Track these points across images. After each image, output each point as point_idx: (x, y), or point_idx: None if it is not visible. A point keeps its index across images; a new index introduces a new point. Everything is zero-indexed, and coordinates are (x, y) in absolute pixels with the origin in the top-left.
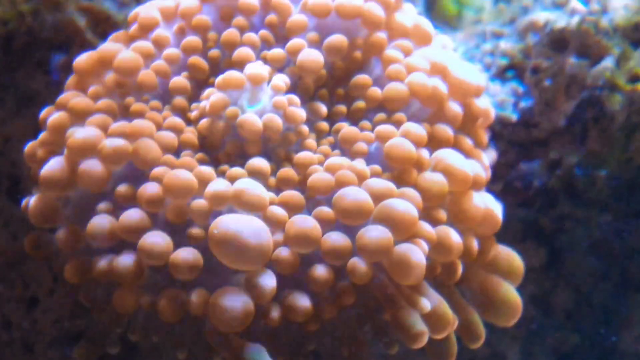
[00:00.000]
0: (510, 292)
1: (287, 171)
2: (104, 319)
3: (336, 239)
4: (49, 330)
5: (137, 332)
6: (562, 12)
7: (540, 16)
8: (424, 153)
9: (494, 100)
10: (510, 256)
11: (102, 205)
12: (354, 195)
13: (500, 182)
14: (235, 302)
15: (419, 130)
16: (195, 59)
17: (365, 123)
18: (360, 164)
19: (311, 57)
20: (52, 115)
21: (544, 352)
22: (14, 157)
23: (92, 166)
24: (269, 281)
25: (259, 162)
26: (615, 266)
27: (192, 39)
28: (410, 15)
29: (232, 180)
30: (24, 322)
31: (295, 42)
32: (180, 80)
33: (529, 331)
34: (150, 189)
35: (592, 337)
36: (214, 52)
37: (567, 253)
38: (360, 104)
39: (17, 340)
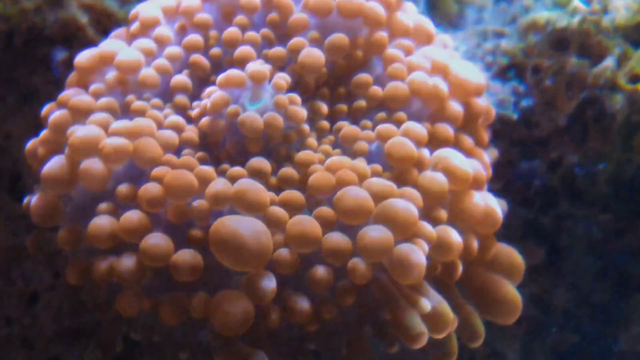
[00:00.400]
0: (511, 290)
1: (288, 170)
2: (108, 320)
3: (336, 239)
4: (50, 327)
5: (139, 332)
6: (563, 12)
7: (542, 16)
8: (425, 152)
9: (495, 99)
10: (511, 254)
11: (103, 206)
12: (355, 195)
13: (501, 181)
14: (235, 306)
15: (420, 129)
16: (197, 57)
17: (366, 122)
18: (361, 163)
19: (312, 55)
20: (53, 113)
21: (543, 351)
22: (15, 154)
23: (93, 165)
24: (269, 283)
25: (260, 162)
26: (615, 266)
27: (194, 37)
28: (411, 15)
29: (233, 180)
30: (24, 318)
31: (296, 40)
32: (181, 78)
33: (528, 330)
34: (151, 189)
35: (591, 336)
36: (215, 51)
37: (567, 252)
38: (361, 102)
39: (18, 336)
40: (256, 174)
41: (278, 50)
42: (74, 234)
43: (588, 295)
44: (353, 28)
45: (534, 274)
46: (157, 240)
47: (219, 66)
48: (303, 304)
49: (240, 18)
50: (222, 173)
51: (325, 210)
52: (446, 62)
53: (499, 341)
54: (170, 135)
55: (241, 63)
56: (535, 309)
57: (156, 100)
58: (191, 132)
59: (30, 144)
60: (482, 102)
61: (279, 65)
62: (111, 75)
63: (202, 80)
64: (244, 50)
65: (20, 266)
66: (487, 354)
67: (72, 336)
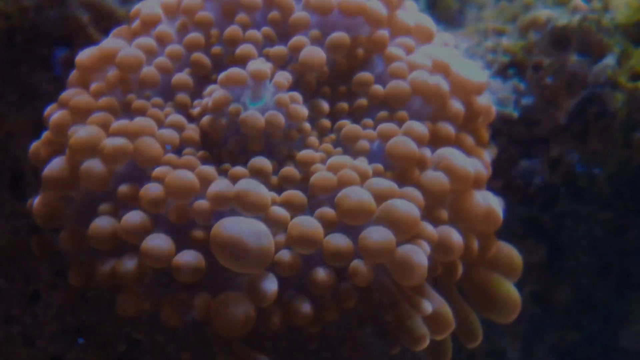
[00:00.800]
0: (510, 289)
1: (289, 170)
2: (110, 319)
3: (338, 241)
4: (51, 325)
5: (141, 332)
6: (563, 10)
7: (542, 14)
8: (426, 151)
9: (495, 97)
10: (510, 252)
11: (104, 207)
12: (357, 195)
13: (501, 179)
14: (237, 308)
15: (421, 128)
16: (198, 56)
17: (368, 121)
18: (362, 162)
19: (313, 54)
20: (54, 114)
21: (543, 349)
22: (16, 152)
23: (94, 166)
24: (270, 285)
25: (261, 161)
26: (616, 264)
27: (195, 36)
28: (412, 13)
29: (234, 179)
30: (25, 316)
31: (297, 39)
32: (182, 76)
33: (529, 328)
34: (152, 189)
35: (592, 334)
36: (217, 49)
37: (567, 250)
38: (362, 101)
39: (19, 334)
40: (257, 174)
41: (279, 49)
42: (76, 236)
43: (589, 293)
44: (354, 26)
45: (535, 272)
46: (158, 241)
47: (220, 64)
48: (305, 307)
49: (242, 16)
50: (223, 172)
51: (326, 211)
52: (447, 61)
53: (499, 338)
54: (170, 135)
55: (242, 61)
56: (536, 307)
57: (157, 99)
58: (192, 131)
59: (34, 145)
60: (483, 101)
61: (280, 63)
62: (112, 73)
63: (203, 78)
64: (245, 48)
65: (21, 264)
66: (487, 352)
67: (74, 335)
